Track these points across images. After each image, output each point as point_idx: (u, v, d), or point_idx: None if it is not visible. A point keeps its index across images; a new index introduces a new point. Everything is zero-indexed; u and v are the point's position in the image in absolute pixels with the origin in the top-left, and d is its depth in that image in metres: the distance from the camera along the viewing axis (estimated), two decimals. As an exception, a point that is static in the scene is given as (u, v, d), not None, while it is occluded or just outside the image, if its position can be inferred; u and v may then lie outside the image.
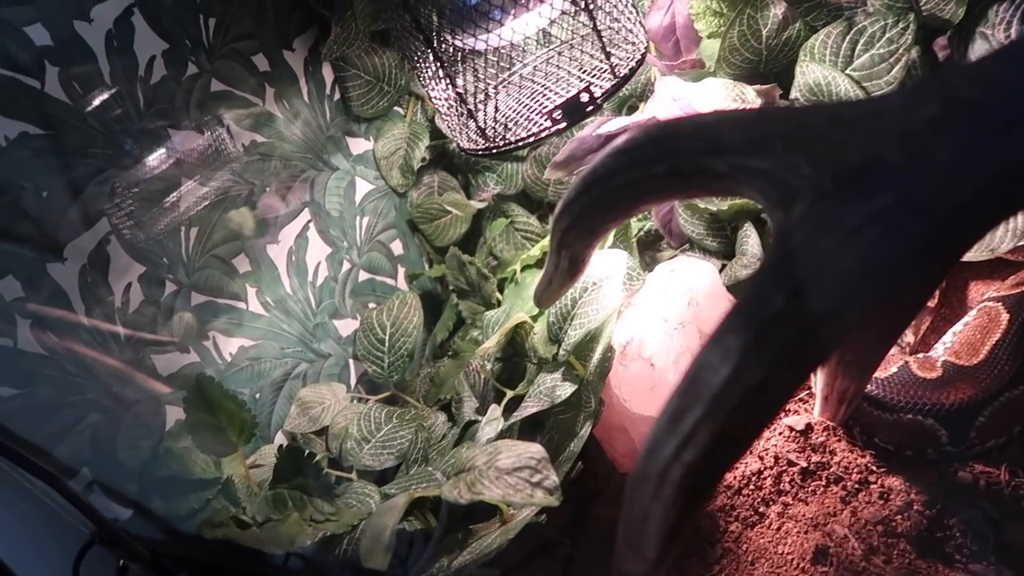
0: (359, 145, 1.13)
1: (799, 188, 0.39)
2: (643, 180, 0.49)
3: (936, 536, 0.66)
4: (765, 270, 0.37)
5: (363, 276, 1.13)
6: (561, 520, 0.85)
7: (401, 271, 1.19)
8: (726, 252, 0.95)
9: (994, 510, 0.65)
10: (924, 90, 0.38)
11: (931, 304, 0.84)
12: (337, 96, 1.10)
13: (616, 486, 0.88)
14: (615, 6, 0.75)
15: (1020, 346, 0.68)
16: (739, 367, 0.36)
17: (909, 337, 0.81)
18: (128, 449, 0.82)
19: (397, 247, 1.18)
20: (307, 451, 0.76)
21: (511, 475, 0.63)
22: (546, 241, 0.87)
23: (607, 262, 0.78)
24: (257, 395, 0.97)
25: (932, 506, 0.67)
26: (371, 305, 1.12)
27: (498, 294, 1.03)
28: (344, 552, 0.69)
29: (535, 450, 0.64)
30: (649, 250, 1.05)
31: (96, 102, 0.84)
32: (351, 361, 1.09)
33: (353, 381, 1.09)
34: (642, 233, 1.05)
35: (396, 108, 1.16)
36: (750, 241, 0.86)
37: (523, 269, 0.99)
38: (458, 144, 0.83)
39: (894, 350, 0.77)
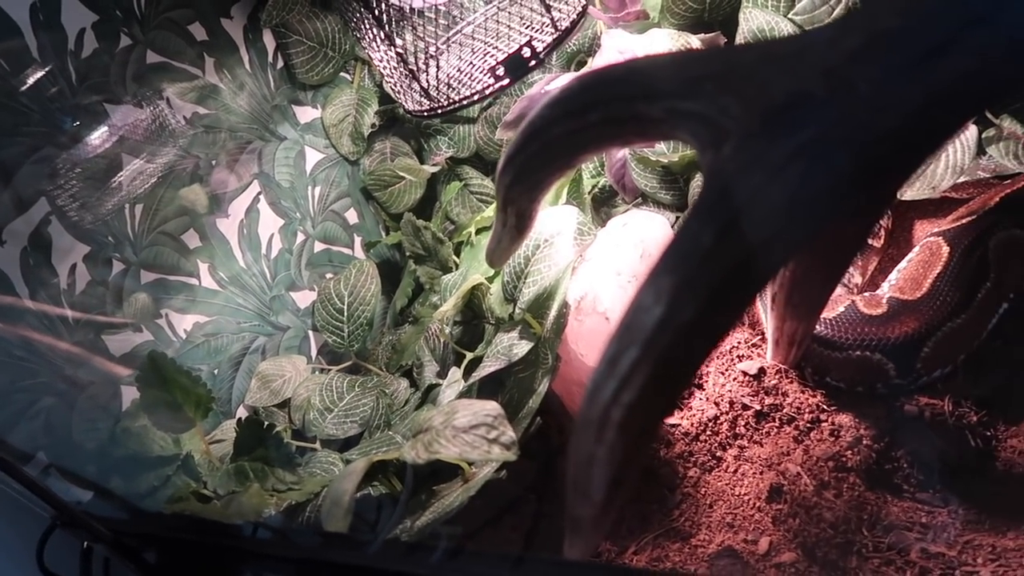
0: (307, 113, 1.11)
1: (729, 128, 0.39)
2: (580, 129, 0.49)
3: (885, 468, 0.68)
4: (694, 210, 0.37)
5: (319, 247, 1.12)
6: (527, 477, 0.86)
7: (358, 240, 1.18)
8: (680, 204, 0.96)
9: (939, 440, 0.67)
10: (848, 23, 0.38)
11: (878, 244, 0.85)
12: (280, 64, 1.08)
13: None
14: (554, -42, 0.74)
15: (960, 277, 0.70)
16: (671, 306, 0.36)
17: (857, 278, 0.83)
18: (84, 431, 0.82)
19: (352, 216, 1.17)
20: (266, 422, 0.75)
21: (468, 433, 0.63)
22: (498, 201, 0.87)
23: (557, 219, 0.77)
24: (216, 371, 0.96)
25: (880, 440, 0.69)
26: (328, 275, 1.11)
27: (455, 257, 1.03)
28: (308, 519, 0.69)
29: (491, 407, 0.65)
30: (604, 206, 1.05)
31: (25, 79, 0.81)
32: (311, 333, 1.08)
33: (314, 352, 1.08)
34: (596, 189, 1.05)
35: (343, 74, 1.13)
36: (700, 191, 0.86)
37: (478, 231, 0.99)
38: (403, 107, 0.82)
39: (842, 291, 0.78)
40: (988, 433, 0.67)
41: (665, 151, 0.94)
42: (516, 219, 0.63)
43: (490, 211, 0.99)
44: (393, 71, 0.76)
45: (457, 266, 1.01)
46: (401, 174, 1.12)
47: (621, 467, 0.42)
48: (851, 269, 0.82)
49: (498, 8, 0.76)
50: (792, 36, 0.46)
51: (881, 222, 0.86)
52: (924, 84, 0.34)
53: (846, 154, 0.35)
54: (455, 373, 0.85)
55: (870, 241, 0.84)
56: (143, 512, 0.75)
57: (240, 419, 0.76)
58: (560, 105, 0.49)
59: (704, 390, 0.79)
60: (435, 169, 1.13)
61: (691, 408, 0.79)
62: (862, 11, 0.37)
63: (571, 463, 0.44)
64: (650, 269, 0.38)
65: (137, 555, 0.77)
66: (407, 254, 1.07)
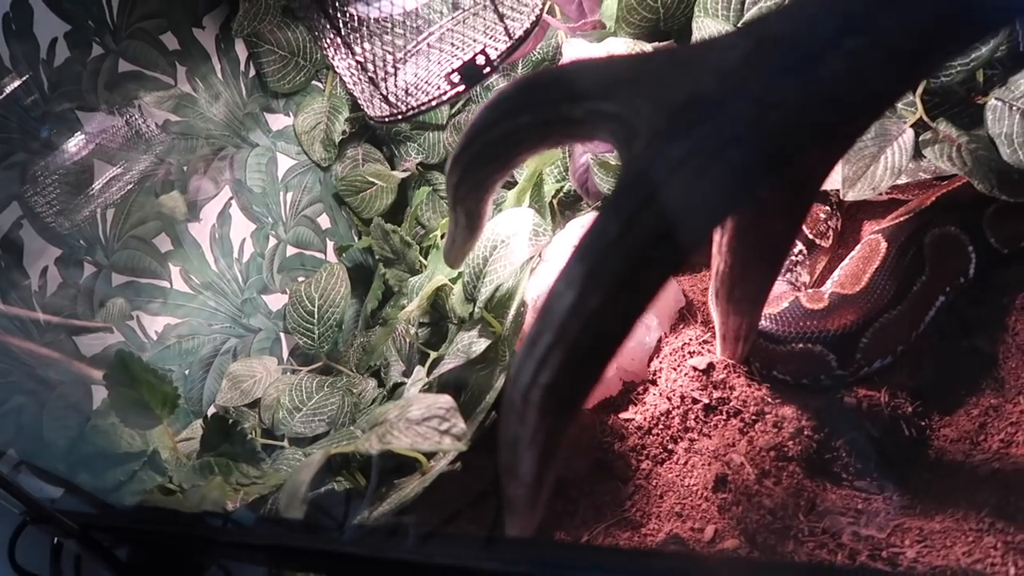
0: (279, 121, 1.14)
1: (640, 127, 0.42)
2: (513, 130, 0.51)
3: (825, 458, 0.71)
4: (604, 204, 0.40)
5: (291, 251, 1.15)
6: (490, 472, 0.88)
7: (330, 244, 1.20)
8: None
9: (876, 430, 0.70)
10: (746, 30, 0.41)
11: (827, 245, 0.88)
12: (253, 73, 1.10)
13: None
14: (508, -30, 0.77)
15: (896, 271, 0.73)
16: (580, 293, 0.39)
17: (805, 277, 0.85)
18: (55, 429, 0.84)
19: (325, 221, 1.20)
20: (231, 419, 0.77)
21: (420, 424, 0.66)
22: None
23: (514, 220, 0.80)
24: (187, 372, 0.98)
25: (821, 430, 0.71)
26: (300, 279, 1.13)
27: (422, 260, 1.05)
28: (269, 511, 0.71)
29: (444, 400, 0.67)
30: (569, 210, 1.08)
31: (-2, 86, 0.84)
32: (282, 335, 1.11)
33: (285, 354, 1.11)
34: (562, 194, 1.08)
35: (315, 82, 1.16)
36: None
37: (443, 235, 1.02)
38: (367, 113, 0.84)
39: (789, 289, 0.81)
40: (923, 423, 0.70)
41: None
42: (466, 219, 0.66)
43: (456, 215, 1.01)
44: (353, 78, 0.79)
45: (424, 268, 1.04)
46: (371, 180, 1.15)
47: (545, 446, 0.44)
48: (799, 269, 0.85)
49: (455, 19, 0.79)
50: (699, 42, 0.49)
51: (830, 223, 0.89)
52: (806, 85, 0.37)
53: (739, 149, 0.38)
54: (419, 372, 0.88)
55: (819, 242, 0.87)
56: (110, 507, 0.77)
57: (205, 415, 0.79)
58: (496, 108, 0.52)
59: (657, 386, 0.82)
60: (405, 175, 1.16)
61: (645, 403, 0.81)
62: (759, 20, 0.40)
63: (500, 445, 0.47)
64: (567, 258, 0.41)
65: (107, 552, 0.79)
66: (376, 257, 1.10)
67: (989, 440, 0.66)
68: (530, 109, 0.49)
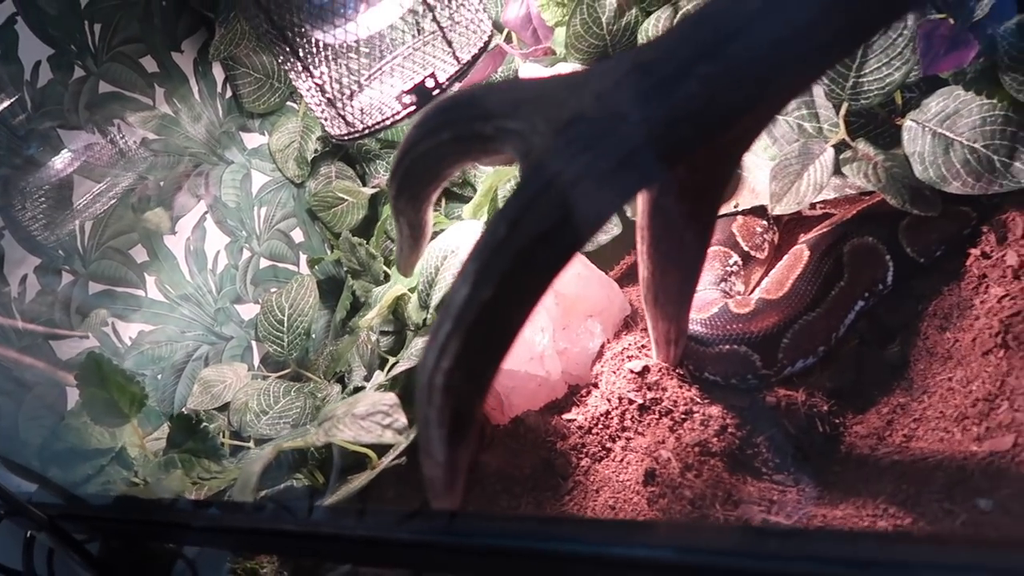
0: (254, 140, 1.20)
1: (535, 142, 0.47)
2: (437, 146, 0.57)
3: (747, 453, 0.76)
4: (501, 208, 0.45)
5: (264, 263, 1.20)
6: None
7: (303, 257, 1.26)
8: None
9: (793, 427, 0.75)
10: (621, 57, 0.47)
11: (763, 257, 0.93)
12: (229, 94, 1.16)
13: (497, 436, 0.96)
14: (459, 1, 0.83)
15: (816, 277, 0.78)
16: (474, 286, 0.44)
17: (739, 287, 0.91)
18: (31, 428, 0.88)
19: (298, 235, 1.25)
20: (195, 418, 0.82)
21: (365, 419, 0.71)
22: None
23: (463, 231, 0.86)
24: (159, 376, 1.03)
25: (744, 427, 0.76)
26: (273, 290, 1.19)
27: (387, 271, 1.11)
28: (228, 499, 0.76)
29: (388, 398, 0.72)
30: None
31: (-17, 105, 0.90)
32: (254, 343, 1.16)
33: (256, 361, 1.16)
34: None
35: (290, 103, 1.22)
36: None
37: (407, 247, 1.07)
38: (327, 132, 0.90)
39: (719, 295, 0.86)
40: (836, 421, 0.75)
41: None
42: (409, 229, 0.71)
43: (418, 228, 1.07)
44: (315, 99, 0.85)
45: (388, 279, 1.09)
46: (342, 196, 1.21)
47: (452, 426, 0.49)
48: (734, 279, 0.91)
49: (408, 46, 0.85)
50: (587, 69, 0.54)
51: (767, 236, 0.95)
52: (666, 104, 0.42)
53: (609, 161, 0.43)
54: (379, 376, 0.93)
55: (754, 254, 0.93)
56: (79, 499, 0.82)
57: (171, 415, 0.84)
58: (421, 127, 0.57)
59: (599, 388, 0.87)
60: (374, 191, 1.22)
61: (587, 405, 0.86)
62: (635, 48, 0.45)
63: (418, 428, 0.52)
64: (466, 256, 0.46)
65: (78, 544, 0.84)
66: (345, 270, 1.15)
67: (894, 435, 0.71)
68: (449, 127, 0.55)
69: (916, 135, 0.80)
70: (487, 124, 0.52)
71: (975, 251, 0.78)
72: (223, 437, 0.99)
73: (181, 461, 0.81)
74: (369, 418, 0.71)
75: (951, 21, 0.78)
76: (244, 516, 0.63)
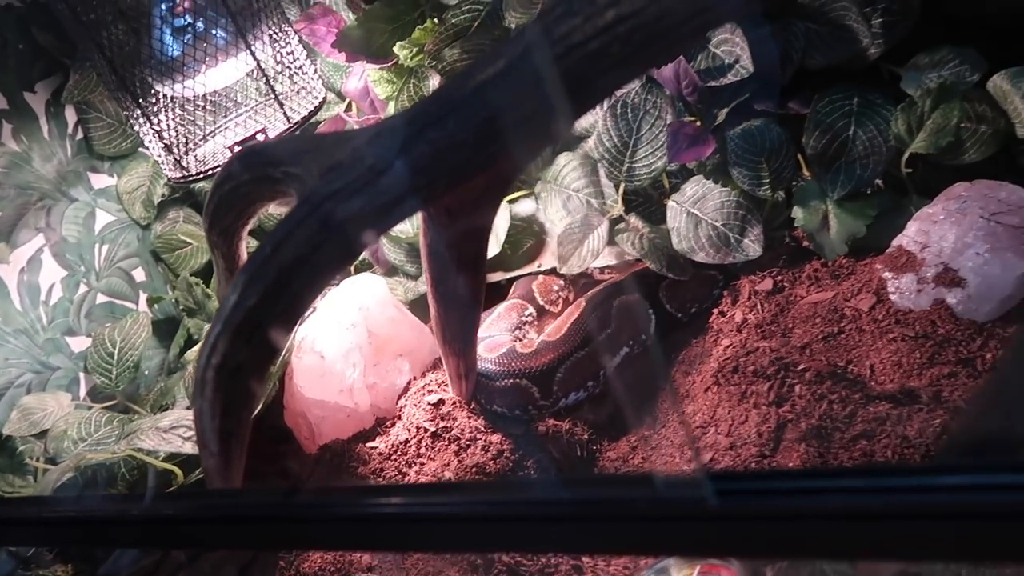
0: (103, 180, 1.25)
1: (308, 184, 0.58)
2: (238, 187, 0.67)
3: (518, 474, 0.87)
4: (271, 230, 0.56)
5: (102, 299, 1.24)
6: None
7: (144, 296, 1.30)
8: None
9: (557, 452, 0.87)
10: (385, 121, 0.59)
11: (555, 310, 1.07)
12: (81, 136, 1.22)
13: (307, 463, 1.02)
14: (295, 66, 0.95)
15: (587, 323, 0.92)
16: (241, 294, 0.53)
17: (533, 335, 1.04)
18: None
19: (139, 274, 1.30)
20: (3, 435, 0.86)
21: (168, 432, 0.77)
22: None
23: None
24: (-24, 400, 1.04)
25: (517, 452, 0.88)
26: (108, 325, 1.22)
27: (221, 311, 1.17)
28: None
29: (192, 414, 0.79)
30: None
31: None
32: (82, 375, 1.18)
33: (83, 392, 1.18)
34: (358, 261, 1.24)
35: (142, 149, 1.29)
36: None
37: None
38: (166, 174, 0.98)
39: (510, 339, 0.99)
40: (594, 448, 0.88)
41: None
42: (224, 261, 0.80)
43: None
44: (153, 145, 0.93)
45: (222, 318, 1.16)
46: (186, 239, 1.27)
47: (224, 419, 0.58)
48: (527, 328, 1.04)
49: (250, 106, 0.95)
50: (357, 129, 0.66)
51: (562, 294, 1.09)
52: (406, 159, 0.54)
53: (360, 201, 0.54)
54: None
55: (548, 308, 1.06)
56: None
57: (-21, 433, 0.86)
58: (226, 170, 0.67)
59: (402, 419, 0.96)
60: (218, 236, 1.28)
61: (390, 434, 0.95)
62: (388, 116, 0.57)
63: (193, 422, 0.60)
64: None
65: None
66: (181, 308, 1.21)
67: (635, 459, 0.84)
68: (248, 170, 0.65)
69: (676, 213, 0.96)
70: (276, 169, 0.63)
71: (716, 310, 0.94)
72: (37, 462, 1.01)
73: (-16, 476, 0.83)
74: (172, 431, 0.77)
75: (698, 123, 0.96)
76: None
